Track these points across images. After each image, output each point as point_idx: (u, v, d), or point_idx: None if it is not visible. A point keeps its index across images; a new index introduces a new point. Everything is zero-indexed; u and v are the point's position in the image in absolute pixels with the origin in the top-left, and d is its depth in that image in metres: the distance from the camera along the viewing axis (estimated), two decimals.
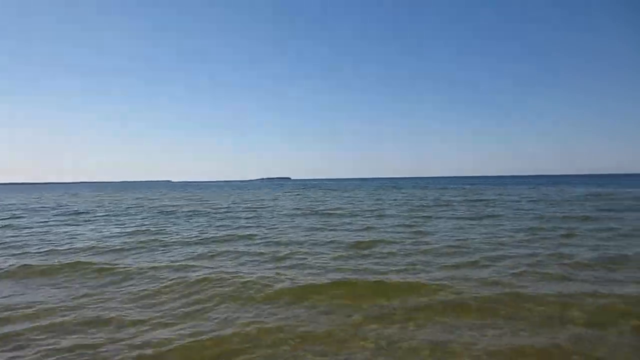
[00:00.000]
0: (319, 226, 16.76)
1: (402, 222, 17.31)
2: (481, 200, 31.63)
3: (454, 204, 28.24)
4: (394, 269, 8.82)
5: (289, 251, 11.12)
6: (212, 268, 9.22)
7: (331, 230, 15.52)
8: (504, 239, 12.41)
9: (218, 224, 18.55)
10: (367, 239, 12.68)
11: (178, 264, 9.76)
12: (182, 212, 25.73)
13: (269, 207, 28.98)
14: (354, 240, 12.63)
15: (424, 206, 26.53)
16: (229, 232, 15.42)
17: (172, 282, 7.99)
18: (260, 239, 13.51)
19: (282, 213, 23.54)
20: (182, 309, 6.47)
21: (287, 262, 9.80)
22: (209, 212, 25.01)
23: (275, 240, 13.17)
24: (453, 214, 20.54)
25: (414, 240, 12.51)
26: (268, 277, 8.19)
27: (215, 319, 6.04)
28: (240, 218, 21.07)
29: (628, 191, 40.45)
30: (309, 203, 32.74)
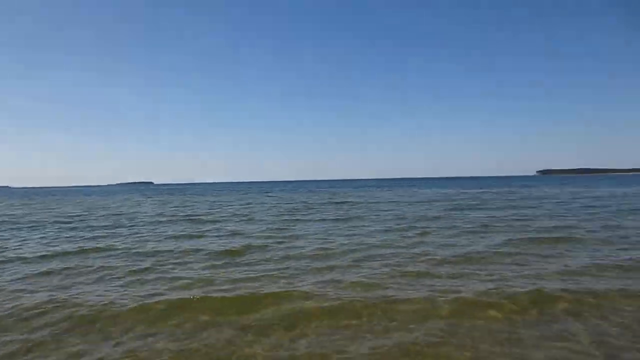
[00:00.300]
0: (185, 233, 15.95)
1: (272, 227, 17.41)
2: (346, 202, 33.51)
3: (322, 206, 29.42)
4: (266, 276, 8.74)
5: (153, 263, 10.35)
6: (59, 289, 8.10)
7: (199, 237, 14.89)
8: (369, 240, 13.22)
9: (68, 234, 16.45)
10: (238, 246, 12.45)
11: (14, 286, 8.35)
12: (24, 221, 22.32)
13: (129, 214, 26.76)
14: (224, 247, 12.27)
15: (293, 209, 27.12)
16: (81, 243, 13.75)
17: (5, 309, 6.79)
18: (120, 250, 12.31)
19: (144, 220, 21.88)
20: (18, 345, 5.46)
21: (151, 276, 9.06)
22: (57, 221, 22.05)
23: (136, 250, 12.13)
24: (321, 217, 21.35)
25: (285, 245, 12.64)
26: (129, 295, 7.48)
27: (63, 352, 5.24)
28: (95, 227, 18.98)
29: (465, 192, 46.98)
30: (173, 209, 31.06)
